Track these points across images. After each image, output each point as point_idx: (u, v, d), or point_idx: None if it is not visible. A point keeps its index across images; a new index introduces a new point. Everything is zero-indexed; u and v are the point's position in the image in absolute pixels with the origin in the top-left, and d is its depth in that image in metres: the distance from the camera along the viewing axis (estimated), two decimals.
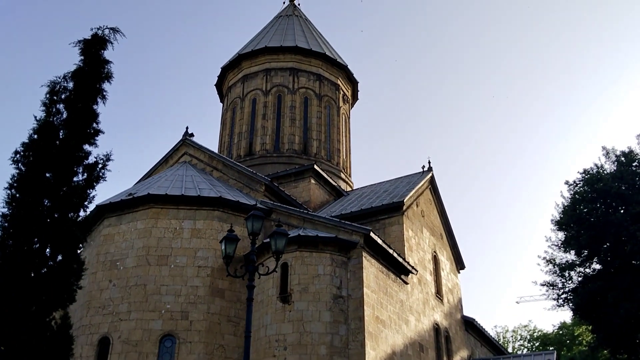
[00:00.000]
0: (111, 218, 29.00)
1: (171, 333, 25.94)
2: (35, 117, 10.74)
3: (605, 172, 32.65)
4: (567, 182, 34.25)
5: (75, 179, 9.85)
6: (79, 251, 9.59)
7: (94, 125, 9.84)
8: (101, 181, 10.14)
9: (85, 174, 10.04)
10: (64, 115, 9.46)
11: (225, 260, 10.71)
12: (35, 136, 10.63)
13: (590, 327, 36.65)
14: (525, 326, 72.04)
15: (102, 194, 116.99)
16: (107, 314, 26.68)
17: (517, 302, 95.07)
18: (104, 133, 10.59)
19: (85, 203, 9.78)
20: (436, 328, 33.21)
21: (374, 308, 26.25)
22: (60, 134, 9.40)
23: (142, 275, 27.05)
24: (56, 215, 9.44)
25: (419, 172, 38.55)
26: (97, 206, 29.38)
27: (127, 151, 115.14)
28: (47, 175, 9.33)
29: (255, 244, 10.96)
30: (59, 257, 9.46)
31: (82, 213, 9.87)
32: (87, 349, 26.28)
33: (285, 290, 25.66)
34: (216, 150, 42.95)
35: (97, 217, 29.76)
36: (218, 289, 27.22)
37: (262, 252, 25.61)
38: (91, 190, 10.03)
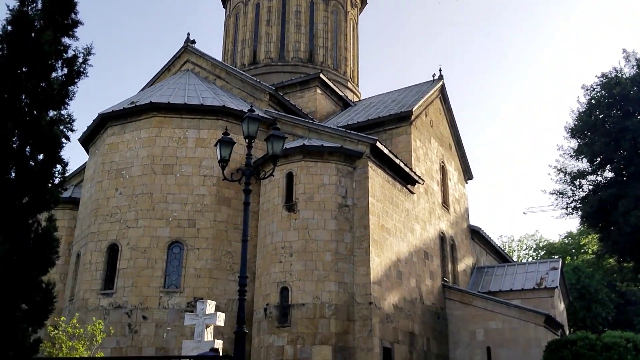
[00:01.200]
0: (115, 127, 28.67)
1: (179, 240, 26.28)
2: (8, 6, 9.95)
3: (624, 76, 31.52)
4: (584, 87, 33.19)
5: (54, 74, 9.28)
6: (62, 152, 9.20)
7: (72, 16, 9.13)
8: (82, 77, 9.54)
9: (65, 69, 9.46)
10: (39, 5, 8.74)
11: (221, 164, 10.30)
12: (9, 27, 9.90)
13: (597, 236, 36.71)
14: (531, 236, 72.93)
15: (105, 103, 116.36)
16: (114, 222, 26.96)
17: (524, 213, 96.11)
18: (83, 24, 9.84)
19: (66, 100, 9.25)
20: (442, 236, 33.45)
21: (379, 217, 26.26)
22: (36, 25, 8.73)
23: (148, 184, 27.07)
24: (35, 113, 8.97)
25: (429, 81, 37.47)
26: (99, 115, 29.00)
27: (130, 60, 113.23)
28: (24, 69, 8.76)
29: (252, 147, 10.49)
30: (40, 158, 9.10)
31: (63, 111, 9.38)
32: (96, 255, 26.77)
33: (291, 199, 25.63)
34: (220, 59, 41.80)
35: (100, 126, 29.46)
36: (224, 198, 27.25)
37: (267, 162, 25.32)
38: (72, 86, 9.46)
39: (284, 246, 24.92)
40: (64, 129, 9.26)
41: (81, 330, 10.87)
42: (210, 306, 15.45)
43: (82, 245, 28.07)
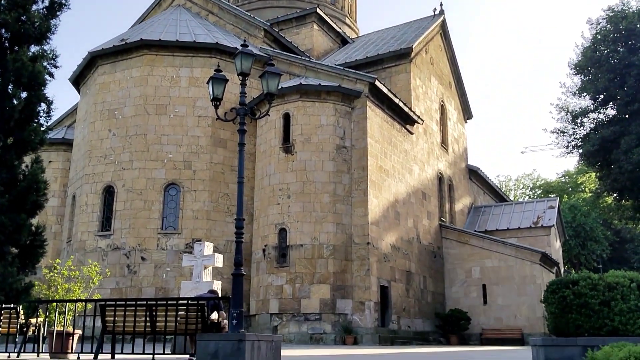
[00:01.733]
0: (105, 66, 27.88)
1: (175, 182, 26.05)
2: None
3: (631, 9, 30.50)
4: (589, 21, 32.16)
5: (34, 7, 8.70)
6: (46, 90, 8.73)
7: None
8: (64, 9, 8.95)
9: (46, 1, 8.87)
10: None
11: (214, 103, 9.85)
12: None
13: (595, 175, 36.54)
14: (528, 175, 73.02)
15: (95, 41, 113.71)
16: (109, 164, 26.64)
17: (522, 152, 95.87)
18: None
19: (48, 34, 8.70)
20: (440, 177, 33.28)
21: (377, 158, 25.95)
22: None
23: (141, 124, 26.58)
24: (16, 49, 8.45)
25: (430, 16, 36.32)
26: (89, 53, 28.14)
27: None
28: (2, 2, 8.18)
29: (245, 84, 10.02)
30: (23, 96, 8.66)
31: (46, 47, 8.85)
32: (92, 197, 26.59)
33: (288, 141, 25.22)
34: None
35: (91, 65, 28.65)
36: (220, 139, 26.83)
37: (263, 102, 24.74)
38: (54, 19, 8.89)
39: (282, 188, 24.71)
40: (48, 66, 8.79)
41: (77, 272, 10.70)
42: (207, 247, 15.32)
43: (78, 187, 27.85)
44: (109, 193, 26.56)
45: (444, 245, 31.86)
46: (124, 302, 9.81)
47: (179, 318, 9.40)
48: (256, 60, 24.15)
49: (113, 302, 9.89)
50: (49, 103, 8.92)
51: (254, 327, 24.29)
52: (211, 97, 9.91)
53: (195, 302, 9.49)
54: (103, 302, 9.86)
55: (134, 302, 9.80)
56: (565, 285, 7.62)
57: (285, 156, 25.01)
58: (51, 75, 8.98)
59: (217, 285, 14.91)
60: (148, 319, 9.53)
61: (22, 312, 10.17)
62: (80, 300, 9.99)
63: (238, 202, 9.24)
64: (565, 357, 7.05)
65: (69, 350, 9.82)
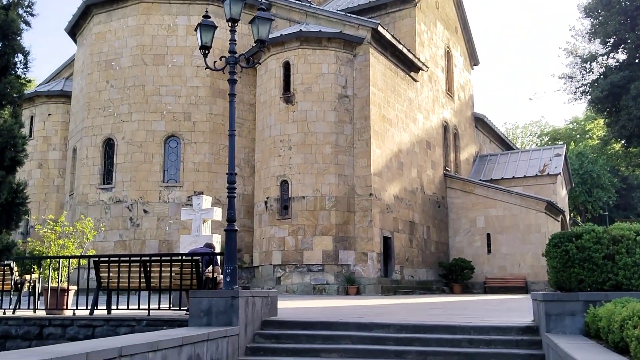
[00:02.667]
0: (100, 15, 27.12)
1: (175, 134, 25.72)
2: None
3: None
4: None
5: None
6: (22, 40, 8.29)
7: None
8: None
9: None
10: None
11: (202, 52, 9.40)
12: None
13: (603, 121, 35.83)
14: (536, 122, 72.11)
15: None
16: (108, 116, 26.27)
17: (529, 99, 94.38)
18: None
19: None
20: (445, 125, 32.74)
21: (380, 107, 25.42)
22: None
23: (139, 75, 26.05)
24: None
25: None
26: (84, 2, 27.32)
27: None
28: None
29: (235, 31, 9.53)
30: None
31: None
32: (93, 150, 26.34)
33: (288, 90, 24.67)
34: None
35: (86, 14, 27.87)
36: (219, 90, 26.28)
37: (261, 51, 24.04)
38: None
39: (283, 139, 24.32)
40: (23, 14, 8.34)
41: (71, 228, 10.52)
42: (206, 201, 15.10)
43: (78, 139, 27.57)
44: (109, 146, 26.30)
45: (449, 195, 31.63)
46: (117, 258, 9.65)
47: (173, 274, 9.26)
48: (252, 7, 23.39)
49: (107, 258, 9.74)
50: (26, 54, 8.50)
51: (257, 278, 24.41)
52: (199, 45, 9.46)
53: (190, 257, 9.31)
54: (97, 259, 9.71)
55: (127, 258, 9.65)
56: (568, 238, 7.34)
57: (286, 106, 24.52)
58: (27, 23, 8.54)
59: (217, 239, 14.75)
60: (143, 275, 9.40)
61: (16, 268, 10.06)
62: (73, 257, 9.85)
63: (230, 156, 8.92)
64: (566, 312, 6.85)
65: (65, 306, 9.74)
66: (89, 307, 9.68)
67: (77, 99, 28.59)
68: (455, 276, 28.84)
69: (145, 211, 25.14)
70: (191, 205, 15.18)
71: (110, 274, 9.64)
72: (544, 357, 7.17)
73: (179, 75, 26.03)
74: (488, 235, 30.34)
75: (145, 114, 25.79)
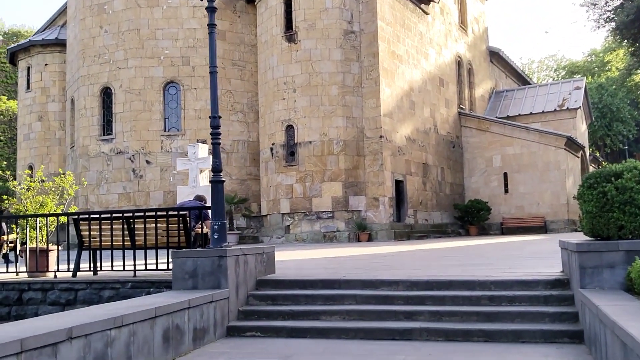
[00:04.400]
0: None
1: (174, 80, 24.56)
2: None
3: None
4: None
5: None
6: None
7: None
8: None
9: None
10: None
11: None
12: None
13: (628, 49, 33.71)
14: (552, 56, 69.47)
15: None
16: (104, 63, 25.08)
17: (546, 32, 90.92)
18: None
19: None
20: (458, 60, 31.08)
21: (389, 42, 23.90)
22: None
23: (133, 19, 24.70)
24: None
25: None
26: None
27: None
28: None
29: None
30: None
31: None
32: (90, 99, 25.32)
33: (290, 28, 23.20)
34: None
35: None
36: (218, 31, 24.51)
37: None
38: None
39: (287, 81, 23.04)
40: None
41: (50, 183, 9.63)
42: (202, 149, 14.14)
43: (75, 90, 26.52)
44: (106, 95, 25.25)
45: (463, 134, 30.35)
46: (98, 215, 8.77)
47: (160, 230, 8.38)
48: None
49: (87, 216, 8.86)
50: None
51: (266, 227, 23.68)
52: None
53: (176, 212, 8.39)
54: (76, 216, 8.84)
55: (109, 215, 8.75)
56: (605, 178, 6.25)
57: (289, 46, 23.12)
58: None
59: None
60: (127, 232, 8.54)
61: None
62: (47, 215, 8.98)
63: (212, 96, 7.85)
64: (604, 264, 5.85)
65: (47, 269, 8.96)
66: (71, 269, 8.88)
67: (72, 47, 27.35)
68: (471, 218, 27.92)
69: (147, 162, 24.29)
70: (187, 154, 14.21)
71: (92, 232, 8.78)
72: (577, 315, 6.23)
73: (175, 17, 24.62)
74: (505, 174, 29.21)
75: (142, 60, 24.58)
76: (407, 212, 24.25)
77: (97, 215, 8.77)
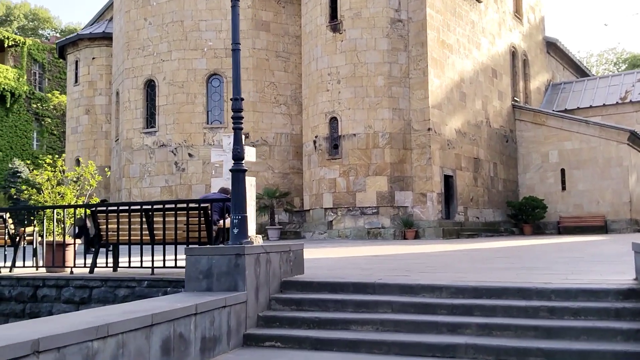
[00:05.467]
0: None
1: (217, 72, 24.09)
2: None
3: None
4: None
5: None
6: None
7: None
8: None
9: None
10: None
11: None
12: None
13: None
14: (612, 49, 66.11)
15: None
16: (147, 56, 24.87)
17: (605, 25, 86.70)
18: None
19: None
20: (512, 51, 29.48)
21: (439, 31, 22.72)
22: None
23: (177, 10, 24.37)
24: None
25: None
26: None
27: None
28: None
29: None
30: None
31: None
32: (134, 92, 25.16)
33: (335, 18, 22.33)
34: None
35: None
36: (262, 22, 24.29)
37: None
38: None
39: (331, 72, 22.19)
40: None
41: (70, 173, 9.12)
42: None
43: (120, 82, 26.45)
44: (150, 87, 25.04)
45: (518, 128, 28.78)
46: (116, 208, 8.16)
47: (180, 224, 7.69)
48: None
49: (104, 208, 8.27)
50: None
51: (308, 223, 22.94)
52: None
53: (197, 205, 7.68)
54: (93, 208, 8.27)
55: (127, 207, 8.13)
56: None
57: (333, 35, 22.25)
58: None
59: (251, 182, 13.14)
60: (146, 226, 7.90)
61: (10, 220, 8.83)
62: (58, 207, 8.43)
63: (234, 76, 7.09)
64: None
65: (64, 264, 8.42)
66: (89, 265, 8.31)
67: (117, 40, 27.32)
68: (525, 216, 26.41)
69: (190, 155, 23.94)
70: (222, 145, 13.51)
71: (110, 226, 8.18)
72: None
73: (219, 7, 24.14)
74: (562, 170, 27.51)
75: (185, 52, 24.23)
76: (456, 208, 23.04)
77: (115, 208, 8.14)
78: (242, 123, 6.99)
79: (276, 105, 24.19)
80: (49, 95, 41.87)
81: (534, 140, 28.33)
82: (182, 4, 24.29)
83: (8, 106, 38.42)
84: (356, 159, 21.44)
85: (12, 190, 27.12)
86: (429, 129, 21.49)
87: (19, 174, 33.51)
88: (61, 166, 8.96)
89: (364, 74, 21.73)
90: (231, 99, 7.09)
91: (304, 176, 23.41)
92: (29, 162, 33.75)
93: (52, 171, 8.97)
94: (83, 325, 4.07)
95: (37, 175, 9.05)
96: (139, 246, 8.12)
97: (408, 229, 20.75)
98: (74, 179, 9.02)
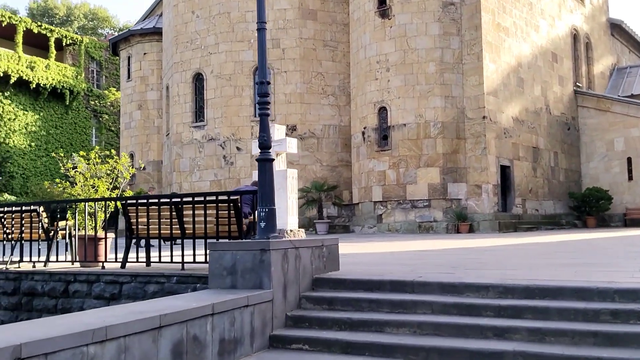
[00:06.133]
0: None
1: None
2: None
3: None
4: None
5: None
6: None
7: None
8: None
9: None
10: None
11: None
12: None
13: None
14: None
15: None
16: (195, 49, 24.86)
17: None
18: None
19: None
20: (574, 33, 27.86)
21: (494, 14, 21.63)
22: None
23: (223, 2, 24.24)
24: None
25: None
26: None
27: None
28: None
29: None
30: None
31: None
32: (183, 86, 25.23)
33: (384, 2, 21.60)
34: None
35: None
36: (309, 10, 23.81)
37: None
38: None
39: (379, 60, 21.50)
40: None
41: (102, 167, 8.92)
42: (279, 131, 12.97)
43: (169, 77, 26.60)
44: (198, 81, 25.04)
45: (580, 115, 27.23)
46: (146, 201, 7.88)
47: (209, 218, 7.33)
48: None
49: (134, 201, 8.00)
50: None
51: (357, 216, 22.38)
52: None
53: (227, 197, 7.28)
54: (124, 201, 8.01)
55: (156, 201, 7.83)
56: None
57: (382, 21, 21.53)
58: None
59: (293, 174, 12.70)
60: (176, 220, 7.58)
61: (44, 214, 8.72)
62: (87, 200, 8.22)
63: (259, 57, 6.59)
64: None
65: (96, 258, 8.22)
66: (120, 260, 8.08)
67: (167, 34, 27.48)
68: (588, 208, 24.94)
69: (238, 148, 23.79)
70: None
71: (140, 219, 7.90)
72: None
73: None
74: (629, 159, 25.81)
75: (232, 44, 24.07)
76: (514, 200, 21.95)
77: (145, 201, 7.86)
78: (268, 108, 6.55)
79: (324, 96, 23.70)
80: (106, 92, 42.84)
81: (597, 127, 26.72)
82: None
83: (67, 103, 39.50)
84: (406, 150, 20.70)
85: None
86: (484, 117, 20.49)
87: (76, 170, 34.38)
88: (94, 159, 8.75)
89: (414, 60, 20.93)
90: (256, 83, 6.62)
91: (353, 169, 22.84)
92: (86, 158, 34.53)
93: (86, 164, 8.78)
94: (79, 328, 3.70)
95: (70, 168, 8.88)
96: (171, 241, 7.82)
97: (462, 222, 19.87)
98: (107, 172, 8.80)
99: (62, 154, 10.68)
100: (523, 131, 22.95)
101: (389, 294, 5.99)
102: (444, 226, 20.11)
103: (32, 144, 36.85)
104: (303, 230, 12.45)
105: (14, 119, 36.17)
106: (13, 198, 31.28)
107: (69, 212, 8.85)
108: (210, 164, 24.34)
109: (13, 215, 8.97)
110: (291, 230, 11.88)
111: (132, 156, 30.46)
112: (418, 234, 19.62)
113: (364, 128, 21.78)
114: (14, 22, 35.93)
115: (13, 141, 35.97)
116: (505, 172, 21.62)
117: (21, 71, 35.63)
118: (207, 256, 7.29)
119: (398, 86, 20.99)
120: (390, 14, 21.38)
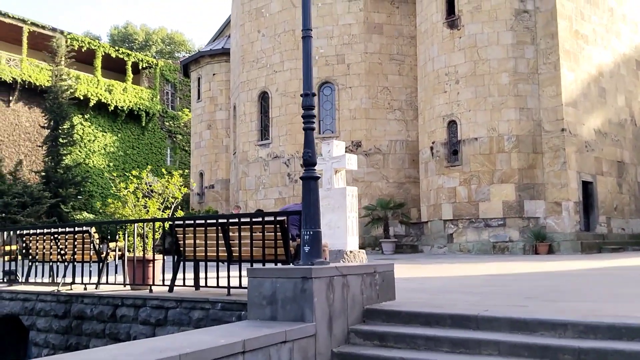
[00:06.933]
0: None
1: (329, 80, 23.47)
2: None
3: None
4: None
5: None
6: None
7: None
8: None
9: None
10: None
11: None
12: None
13: None
14: None
15: None
16: (261, 68, 24.89)
17: None
18: None
19: None
20: None
21: (571, 20, 20.33)
22: None
23: (288, 20, 24.15)
24: None
25: None
26: None
27: None
28: None
29: None
30: None
31: None
32: (249, 105, 25.29)
33: (453, 13, 20.78)
34: None
35: None
36: (374, 24, 23.32)
37: None
38: None
39: (448, 72, 20.63)
40: None
41: (156, 186, 8.70)
42: (337, 147, 12.52)
43: (236, 96, 26.77)
44: (264, 99, 25.02)
45: None
46: (192, 222, 7.51)
47: (255, 240, 6.86)
48: None
49: (181, 222, 7.65)
50: None
51: (426, 236, 21.42)
52: None
53: (273, 219, 6.78)
54: (172, 222, 7.69)
55: (203, 222, 7.44)
56: None
57: (450, 32, 20.69)
58: None
59: (352, 192, 12.16)
60: (223, 241, 7.17)
61: (96, 235, 8.55)
62: (137, 221, 7.95)
63: (304, 68, 6.03)
64: None
65: (144, 281, 7.93)
66: (168, 283, 7.74)
67: (234, 54, 27.74)
68: None
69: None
70: (321, 153, 12.68)
71: (187, 241, 7.54)
72: None
73: (330, 14, 23.56)
74: None
75: (297, 62, 23.86)
76: (597, 219, 20.34)
77: (191, 222, 7.49)
78: (313, 122, 6.00)
79: (390, 111, 23.04)
80: (180, 113, 43.99)
81: None
82: (293, 14, 24.00)
83: (143, 125, 40.79)
84: (478, 165, 19.64)
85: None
86: (562, 130, 19.16)
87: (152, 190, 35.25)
88: (145, 179, 8.52)
89: (485, 71, 19.93)
90: (301, 95, 6.11)
91: (421, 185, 21.96)
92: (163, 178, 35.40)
93: (137, 184, 8.58)
94: None
95: (123, 188, 8.70)
96: (221, 264, 7.40)
97: (540, 242, 18.54)
98: (159, 192, 8.56)
99: (115, 175, 10.56)
100: (606, 144, 21.34)
101: (450, 330, 5.25)
102: (521, 246, 18.84)
103: (110, 164, 38.20)
104: (364, 251, 11.81)
105: (94, 140, 37.68)
106: (91, 216, 32.34)
107: (119, 232, 8.64)
108: (275, 182, 24.15)
109: (66, 236, 8.88)
110: (351, 252, 11.32)
111: (201, 175, 30.87)
112: (492, 255, 18.46)
113: (433, 143, 20.91)
114: (93, 47, 37.59)
115: (92, 161, 37.43)
116: (587, 189, 20.10)
117: (100, 94, 37.14)
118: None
119: (468, 99, 20.03)
120: (459, 24, 20.52)
